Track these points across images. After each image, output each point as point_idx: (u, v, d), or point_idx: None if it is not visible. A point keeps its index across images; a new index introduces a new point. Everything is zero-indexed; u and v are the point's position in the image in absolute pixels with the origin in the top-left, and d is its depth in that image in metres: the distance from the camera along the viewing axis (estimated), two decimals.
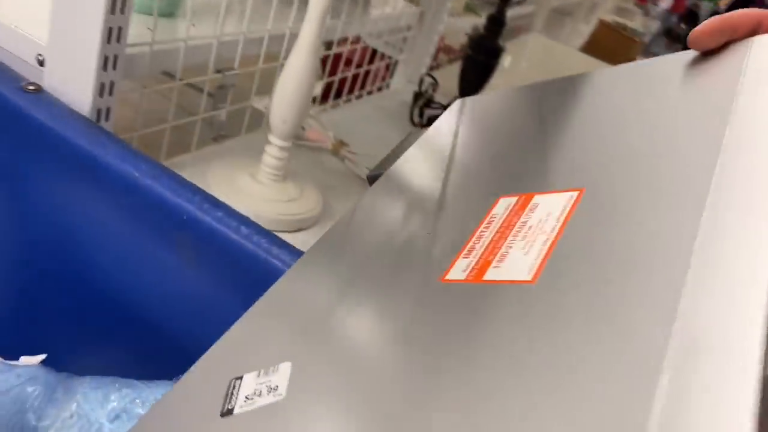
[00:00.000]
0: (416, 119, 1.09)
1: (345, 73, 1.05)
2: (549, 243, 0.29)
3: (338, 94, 1.07)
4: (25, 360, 0.42)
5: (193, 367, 0.36)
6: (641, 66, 0.43)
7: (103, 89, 0.55)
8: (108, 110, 0.57)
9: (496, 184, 0.38)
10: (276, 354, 0.32)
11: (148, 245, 0.51)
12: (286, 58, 0.82)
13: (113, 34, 0.53)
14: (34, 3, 0.62)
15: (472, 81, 1.06)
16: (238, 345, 0.35)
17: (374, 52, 1.13)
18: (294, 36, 0.82)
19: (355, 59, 1.05)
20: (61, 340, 0.54)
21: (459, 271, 0.31)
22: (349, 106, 1.10)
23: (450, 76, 1.25)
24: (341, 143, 0.86)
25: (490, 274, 0.29)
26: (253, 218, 0.51)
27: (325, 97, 1.03)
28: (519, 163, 0.39)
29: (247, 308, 0.39)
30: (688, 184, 0.29)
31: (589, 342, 0.23)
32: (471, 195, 0.39)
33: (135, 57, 0.60)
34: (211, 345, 0.37)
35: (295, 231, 0.70)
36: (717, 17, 0.36)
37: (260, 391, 0.30)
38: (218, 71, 0.74)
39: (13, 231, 0.57)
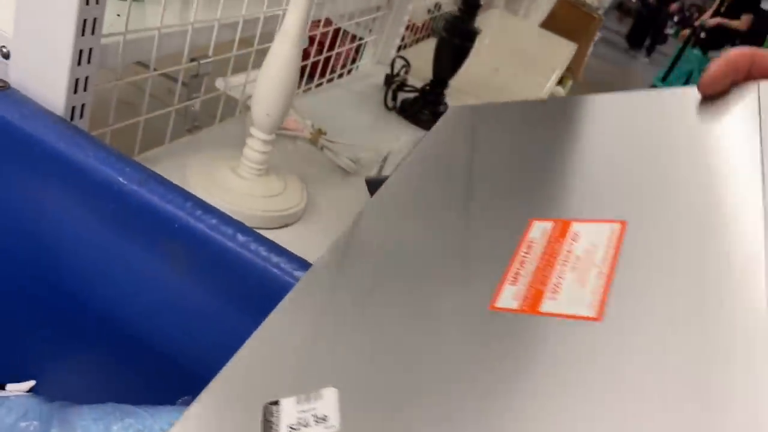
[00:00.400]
0: (389, 103, 1.06)
1: (317, 57, 1.01)
2: (604, 277, 0.28)
3: (309, 78, 1.03)
4: (11, 388, 0.39)
5: (204, 392, 0.33)
6: (652, 96, 0.43)
7: (77, 85, 0.51)
8: (83, 107, 0.53)
9: (521, 204, 0.36)
10: (308, 378, 0.29)
11: (135, 256, 0.47)
12: (260, 43, 0.79)
13: (88, 26, 0.49)
14: None
15: (447, 64, 1.03)
16: (255, 366, 0.32)
17: (344, 33, 1.10)
18: (268, 20, 0.78)
19: (327, 42, 1.02)
20: (43, 362, 0.50)
21: (508, 298, 0.29)
22: (321, 91, 1.06)
23: (418, 55, 1.22)
24: (319, 132, 0.83)
25: (547, 306, 0.28)
26: (235, 215, 0.48)
27: None
28: (542, 183, 0.38)
29: (246, 321, 0.36)
30: (743, 221, 0.28)
31: (681, 399, 0.21)
32: (492, 214, 0.37)
33: (108, 47, 0.56)
34: (209, 361, 0.34)
35: (280, 228, 0.68)
36: (719, 62, 0.38)
37: (306, 421, 0.27)
38: (192, 59, 0.70)
39: None
